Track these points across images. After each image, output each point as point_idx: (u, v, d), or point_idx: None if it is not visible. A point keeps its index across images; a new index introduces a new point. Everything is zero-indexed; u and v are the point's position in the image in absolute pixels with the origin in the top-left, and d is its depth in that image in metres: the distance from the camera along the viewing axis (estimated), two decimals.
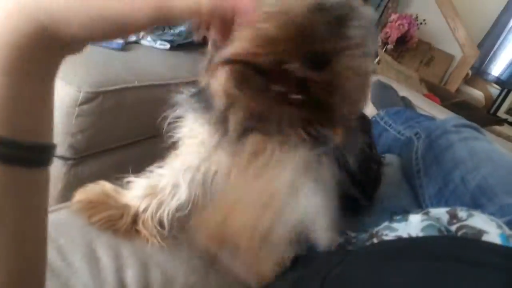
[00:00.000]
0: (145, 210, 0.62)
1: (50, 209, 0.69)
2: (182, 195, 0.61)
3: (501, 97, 3.80)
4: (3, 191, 0.29)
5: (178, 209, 0.63)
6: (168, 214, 0.62)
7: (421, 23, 3.41)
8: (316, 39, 0.38)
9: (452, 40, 3.45)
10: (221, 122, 0.50)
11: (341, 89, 0.41)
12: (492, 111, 3.78)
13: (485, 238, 0.49)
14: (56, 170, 1.00)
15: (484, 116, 2.80)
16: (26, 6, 0.29)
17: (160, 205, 0.62)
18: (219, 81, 0.43)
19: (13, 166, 0.29)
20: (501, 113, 3.77)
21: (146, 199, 0.63)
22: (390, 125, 1.26)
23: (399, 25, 3.18)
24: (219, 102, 0.46)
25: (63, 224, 0.65)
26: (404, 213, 0.63)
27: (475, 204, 0.74)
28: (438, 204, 0.83)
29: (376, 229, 0.61)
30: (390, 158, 1.15)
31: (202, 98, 0.54)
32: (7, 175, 0.29)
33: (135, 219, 0.63)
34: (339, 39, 0.40)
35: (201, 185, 0.60)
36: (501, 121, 3.01)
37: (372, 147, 0.81)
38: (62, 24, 0.30)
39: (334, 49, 0.39)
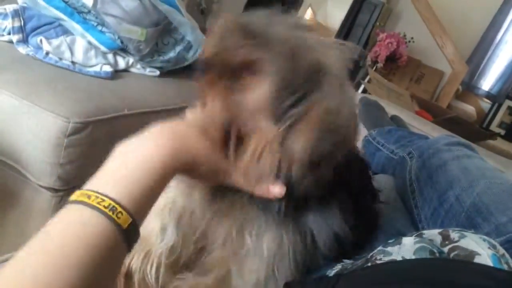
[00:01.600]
0: (136, 269, 0.57)
1: None
2: (170, 238, 0.58)
3: (492, 111, 3.83)
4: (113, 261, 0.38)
5: (168, 255, 0.58)
6: (155, 268, 0.58)
7: (409, 41, 3.46)
8: None
9: (441, 57, 3.49)
10: None
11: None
12: (484, 125, 3.80)
13: (477, 259, 0.48)
14: (45, 202, 0.98)
15: (476, 131, 2.81)
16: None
17: (149, 257, 0.58)
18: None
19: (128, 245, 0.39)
20: (494, 127, 3.79)
21: (135, 255, 0.58)
22: (382, 145, 1.26)
23: (388, 43, 3.23)
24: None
25: None
26: (399, 235, 0.62)
27: (471, 224, 0.73)
28: (434, 224, 0.82)
29: (370, 253, 0.60)
30: (384, 178, 1.14)
31: None
32: (121, 251, 0.39)
33: (129, 278, 0.58)
34: None
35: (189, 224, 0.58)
36: (494, 135, 3.02)
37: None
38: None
39: None
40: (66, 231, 0.36)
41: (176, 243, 0.59)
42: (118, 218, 0.37)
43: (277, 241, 0.52)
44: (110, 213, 0.37)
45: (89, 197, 0.38)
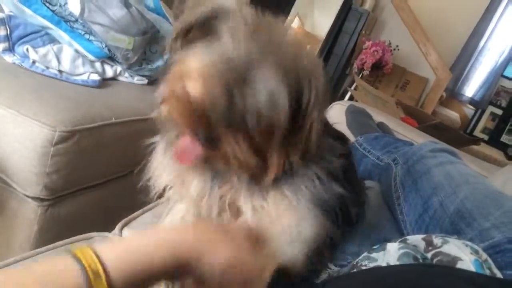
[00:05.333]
0: None
1: (22, 256, 0.67)
2: None
3: (476, 117, 3.90)
4: None
5: None
6: None
7: (394, 49, 3.51)
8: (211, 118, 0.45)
9: (425, 64, 3.56)
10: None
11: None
12: (468, 130, 3.87)
13: (460, 265, 0.49)
14: (31, 211, 0.97)
15: (461, 136, 2.86)
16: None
17: None
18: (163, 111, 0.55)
19: None
20: (477, 132, 3.87)
21: None
22: (369, 151, 1.28)
23: (373, 51, 3.27)
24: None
25: None
26: (384, 241, 0.63)
27: (455, 230, 0.74)
28: (419, 230, 0.84)
29: (356, 260, 0.61)
30: (370, 184, 1.15)
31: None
32: None
33: None
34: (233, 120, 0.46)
35: None
36: (477, 141, 3.07)
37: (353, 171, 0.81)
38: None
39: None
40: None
41: None
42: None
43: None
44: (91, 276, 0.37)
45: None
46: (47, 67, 1.11)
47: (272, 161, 0.50)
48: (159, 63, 1.36)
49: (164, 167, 0.61)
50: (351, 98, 3.14)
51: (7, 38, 1.11)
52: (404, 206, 0.91)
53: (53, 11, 1.14)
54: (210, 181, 0.57)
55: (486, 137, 3.80)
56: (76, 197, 1.06)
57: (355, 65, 3.44)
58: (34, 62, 1.10)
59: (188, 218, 0.62)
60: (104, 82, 1.22)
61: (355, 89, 3.21)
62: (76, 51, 1.18)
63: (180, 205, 0.65)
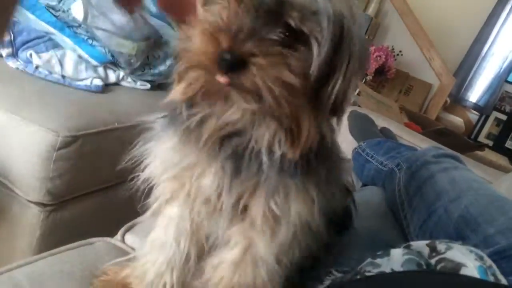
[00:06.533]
0: None
1: (25, 261, 0.67)
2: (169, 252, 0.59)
3: (480, 123, 3.88)
4: None
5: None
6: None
7: (397, 54, 3.51)
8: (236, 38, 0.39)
9: (429, 69, 3.54)
10: (193, 131, 0.49)
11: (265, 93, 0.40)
12: (472, 136, 3.85)
13: (464, 271, 0.48)
14: (33, 217, 0.97)
15: (465, 142, 2.85)
16: None
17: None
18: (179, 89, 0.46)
19: None
20: (482, 138, 3.84)
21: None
22: (372, 157, 1.27)
23: (376, 56, 3.26)
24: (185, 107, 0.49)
25: (39, 276, 0.63)
26: (388, 247, 0.62)
27: (459, 235, 0.73)
28: (423, 236, 0.83)
29: (360, 266, 0.60)
30: (374, 190, 1.15)
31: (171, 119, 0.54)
32: None
33: None
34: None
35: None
36: (482, 146, 3.06)
37: None
38: None
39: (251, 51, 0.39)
40: None
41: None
42: None
43: (308, 203, 0.50)
44: None
45: None
46: (50, 72, 1.12)
47: (303, 121, 0.43)
48: (162, 68, 1.36)
49: (169, 155, 0.53)
50: (354, 104, 3.13)
51: (11, 43, 1.12)
52: (408, 212, 0.90)
53: (56, 16, 1.15)
54: (230, 174, 0.48)
55: (490, 143, 3.77)
56: (79, 202, 1.06)
57: None
58: (37, 67, 1.10)
59: (183, 226, 0.58)
60: (107, 87, 1.22)
61: (358, 94, 3.20)
62: (79, 56, 1.19)
63: (171, 208, 0.59)
